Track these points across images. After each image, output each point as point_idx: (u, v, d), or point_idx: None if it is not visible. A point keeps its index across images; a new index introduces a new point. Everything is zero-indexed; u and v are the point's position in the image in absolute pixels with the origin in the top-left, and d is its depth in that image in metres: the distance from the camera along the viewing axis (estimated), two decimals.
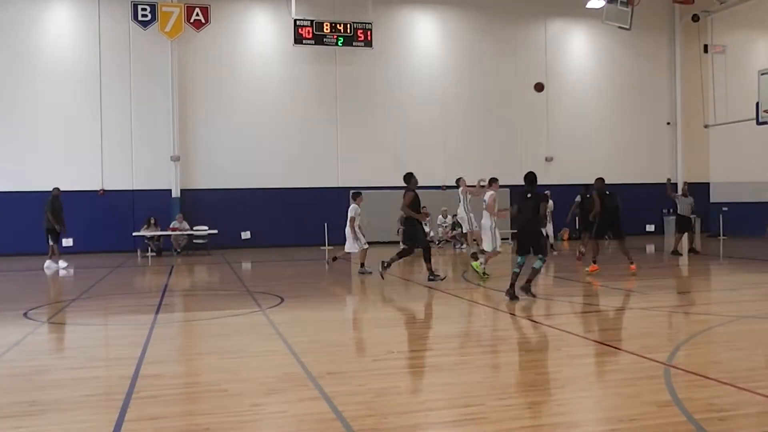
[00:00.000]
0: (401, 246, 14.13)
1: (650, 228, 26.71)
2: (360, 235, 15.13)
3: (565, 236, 25.17)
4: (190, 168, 23.48)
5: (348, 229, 15.13)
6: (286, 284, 13.57)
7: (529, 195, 10.82)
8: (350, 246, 15.19)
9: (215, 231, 22.27)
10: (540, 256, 10.50)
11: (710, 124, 26.86)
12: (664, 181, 27.83)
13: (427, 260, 13.28)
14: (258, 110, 24.02)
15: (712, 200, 26.54)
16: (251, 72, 24.11)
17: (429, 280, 13.00)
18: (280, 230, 23.75)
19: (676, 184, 19.47)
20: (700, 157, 27.66)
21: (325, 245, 22.73)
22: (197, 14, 22.30)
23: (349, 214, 15.11)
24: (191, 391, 5.89)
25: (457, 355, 7.16)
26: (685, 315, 9.73)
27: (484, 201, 13.45)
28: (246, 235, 23.35)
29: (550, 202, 16.85)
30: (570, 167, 26.22)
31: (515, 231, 11.48)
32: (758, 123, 18.72)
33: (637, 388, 5.55)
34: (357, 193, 15.64)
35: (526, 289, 10.61)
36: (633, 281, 12.85)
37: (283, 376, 6.09)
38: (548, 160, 26.41)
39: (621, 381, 5.85)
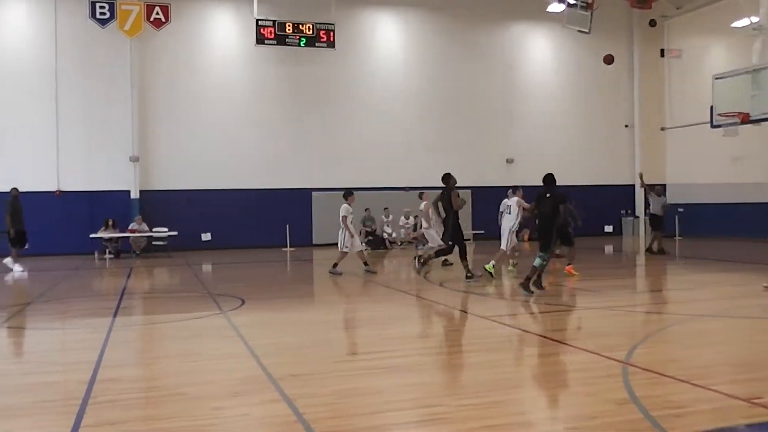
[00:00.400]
0: (446, 246, 14.08)
1: (609, 229, 27.17)
2: (348, 236, 14.82)
3: (526, 237, 25.43)
4: (150, 169, 23.16)
5: (343, 231, 14.83)
6: (247, 286, 13.47)
7: (547, 195, 11.35)
8: (357, 245, 15.01)
9: (175, 233, 21.98)
10: (541, 254, 11.04)
11: (667, 126, 27.42)
12: (623, 183, 28.42)
13: (436, 255, 14.05)
14: (220, 111, 23.80)
15: (668, 201, 27.06)
16: (213, 72, 23.88)
17: (418, 263, 13.82)
18: (241, 232, 23.56)
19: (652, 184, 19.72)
20: (657, 159, 28.23)
21: (287, 246, 22.63)
22: (157, 13, 21.99)
23: (341, 214, 14.80)
24: (151, 395, 5.81)
25: (418, 356, 7.18)
26: (643, 314, 9.91)
27: (509, 206, 14.07)
28: (206, 236, 23.12)
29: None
30: (530, 169, 26.48)
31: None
32: (712, 126, 19.06)
33: (596, 386, 5.63)
34: (348, 192, 15.21)
35: (525, 286, 11.01)
36: (591, 281, 13.03)
37: (244, 379, 6.03)
38: (509, 161, 26.67)
39: (580, 380, 5.93)
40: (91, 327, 9.18)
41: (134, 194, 22.72)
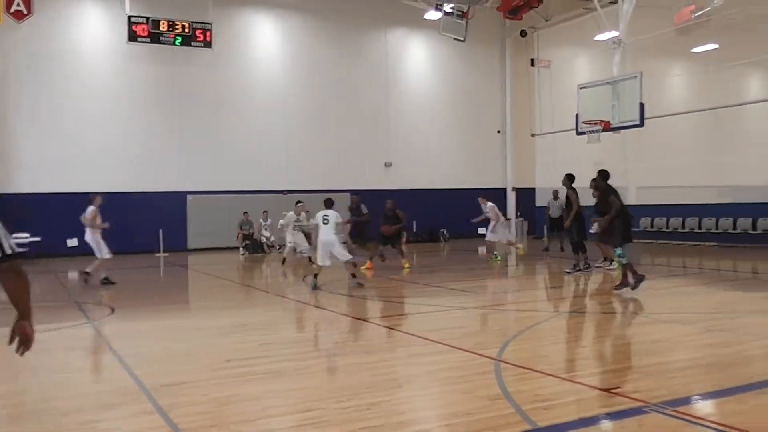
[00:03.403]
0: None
1: (482, 231, 28.06)
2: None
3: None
4: (10, 170, 21.67)
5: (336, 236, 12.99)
6: (117, 294, 12.90)
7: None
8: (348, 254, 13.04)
9: (38, 238, 20.67)
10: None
11: (536, 133, 28.72)
12: (496, 186, 29.53)
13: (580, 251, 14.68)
14: (88, 110, 22.63)
15: (537, 204, 28.35)
16: (83, 69, 22.67)
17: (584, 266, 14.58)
18: (111, 237, 22.26)
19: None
20: (527, 164, 29.54)
21: (160, 252, 21.88)
22: (18, 4, 20.53)
23: (338, 219, 12.91)
24: (15, 411, 5.45)
25: (297, 360, 7.15)
26: (514, 312, 10.34)
27: (487, 214, 17.65)
28: (73, 242, 21.84)
29: None
30: (408, 173, 27.06)
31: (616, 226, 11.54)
32: (578, 133, 20.21)
33: (470, 383, 5.82)
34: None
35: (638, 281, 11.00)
36: (466, 282, 13.43)
37: (115, 391, 5.79)
38: (387, 165, 27.04)
39: (456, 378, 6.10)
40: None
41: None
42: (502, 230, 18.37)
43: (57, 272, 17.29)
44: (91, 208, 14.09)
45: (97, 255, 14.09)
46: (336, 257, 12.50)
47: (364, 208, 16.71)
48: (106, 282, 13.96)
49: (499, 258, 17.97)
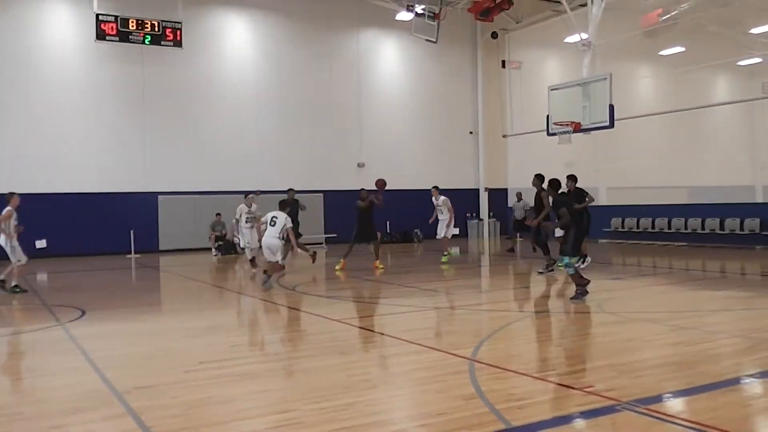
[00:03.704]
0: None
1: (455, 231, 28.18)
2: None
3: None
4: None
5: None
6: (88, 296, 12.72)
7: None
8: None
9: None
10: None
11: (508, 134, 28.92)
12: (469, 186, 29.67)
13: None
14: (58, 108, 22.26)
15: (509, 205, 28.53)
16: (50, 68, 22.30)
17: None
18: (81, 238, 22.16)
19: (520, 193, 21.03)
20: (499, 165, 29.74)
21: (131, 253, 21.62)
22: None
23: (287, 225, 12.62)
24: None
25: (270, 362, 7.11)
26: (487, 312, 10.38)
27: (439, 207, 17.61)
28: (41, 243, 21.43)
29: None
30: (381, 173, 26.98)
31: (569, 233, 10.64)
32: (549, 134, 20.38)
33: (444, 383, 5.83)
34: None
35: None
36: (440, 282, 13.45)
37: (85, 394, 5.70)
38: (360, 166, 27.02)
39: (430, 378, 6.11)
40: None
41: None
42: (445, 227, 17.82)
43: (25, 275, 16.95)
44: (7, 209, 12.99)
45: (12, 259, 12.98)
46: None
47: (300, 201, 16.79)
48: (18, 290, 12.93)
49: (451, 252, 17.99)
